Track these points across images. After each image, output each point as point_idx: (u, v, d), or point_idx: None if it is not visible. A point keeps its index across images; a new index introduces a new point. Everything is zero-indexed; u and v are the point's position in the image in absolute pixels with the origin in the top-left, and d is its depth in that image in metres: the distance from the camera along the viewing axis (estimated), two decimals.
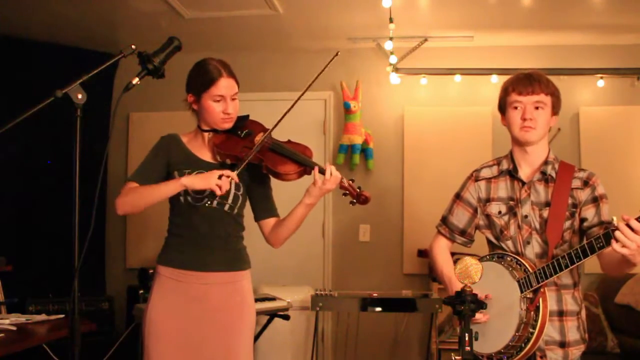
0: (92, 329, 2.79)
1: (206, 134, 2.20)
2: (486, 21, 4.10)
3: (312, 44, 4.63)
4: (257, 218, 2.29)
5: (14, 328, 2.53)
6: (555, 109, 2.11)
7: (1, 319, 2.69)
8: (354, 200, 2.11)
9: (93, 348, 3.77)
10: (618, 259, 1.83)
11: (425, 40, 4.43)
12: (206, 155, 2.19)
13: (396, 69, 4.40)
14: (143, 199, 2.05)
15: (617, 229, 1.74)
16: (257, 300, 3.65)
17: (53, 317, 2.90)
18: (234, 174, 1.98)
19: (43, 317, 2.85)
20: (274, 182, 2.25)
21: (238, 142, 2.17)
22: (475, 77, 4.49)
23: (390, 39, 3.97)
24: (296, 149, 2.16)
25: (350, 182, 2.12)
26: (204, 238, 2.10)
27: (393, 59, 4.29)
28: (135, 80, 1.74)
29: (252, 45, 4.68)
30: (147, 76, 1.79)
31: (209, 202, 2.13)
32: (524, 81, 2.08)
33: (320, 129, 4.74)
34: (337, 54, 2.12)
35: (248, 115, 2.27)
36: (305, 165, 2.12)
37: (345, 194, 2.13)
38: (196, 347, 2.09)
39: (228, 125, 2.17)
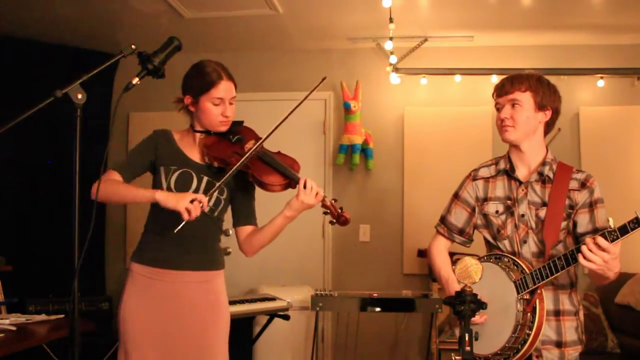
0: (92, 329, 2.79)
1: (197, 134, 2.20)
2: (486, 21, 4.10)
3: (312, 44, 4.63)
4: (236, 224, 2.29)
5: (14, 328, 2.53)
6: (540, 104, 2.09)
7: (1, 319, 2.69)
8: (334, 220, 2.13)
9: (93, 348, 3.77)
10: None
11: (425, 40, 4.43)
12: (195, 155, 2.20)
13: (396, 69, 4.40)
14: (116, 196, 2.07)
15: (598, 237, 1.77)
16: (257, 300, 3.66)
17: (53, 317, 2.90)
18: (205, 200, 1.96)
19: (43, 317, 2.85)
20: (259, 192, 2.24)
21: (228, 147, 2.17)
22: (475, 77, 4.48)
23: (390, 39, 3.97)
24: (284, 162, 2.17)
25: (333, 201, 2.13)
26: (182, 238, 2.07)
27: (393, 59, 4.29)
28: (135, 80, 1.74)
29: (252, 45, 4.68)
30: (147, 76, 1.79)
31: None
32: (500, 83, 2.15)
33: (320, 129, 4.74)
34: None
35: (242, 122, 2.28)
36: (290, 179, 2.13)
37: (326, 213, 2.13)
38: (171, 345, 2.09)
39: (224, 128, 2.18)
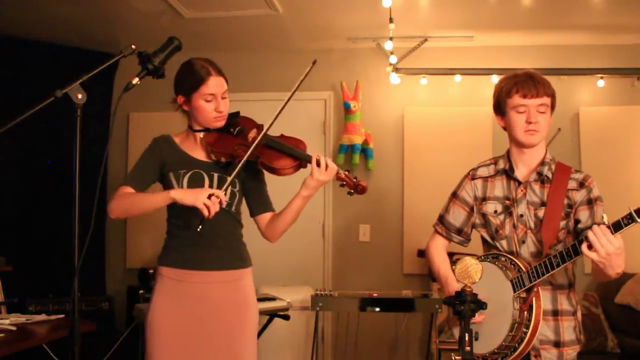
0: (92, 329, 2.79)
1: (198, 134, 2.20)
2: (486, 21, 4.10)
3: (312, 44, 4.63)
4: (253, 213, 2.29)
5: (14, 328, 2.53)
6: (553, 105, 2.11)
7: (1, 319, 2.69)
8: (352, 191, 2.12)
9: (93, 348, 3.77)
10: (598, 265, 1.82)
11: (425, 40, 4.43)
12: (200, 155, 2.19)
13: (396, 69, 4.40)
14: (134, 207, 2.06)
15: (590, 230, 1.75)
16: (257, 300, 3.66)
17: (53, 317, 2.90)
18: (222, 194, 1.96)
19: (43, 317, 2.86)
20: (268, 176, 2.24)
21: (232, 140, 2.16)
22: (475, 77, 4.49)
23: (390, 39, 3.97)
24: (290, 143, 2.17)
25: (347, 172, 2.12)
26: (205, 237, 2.08)
27: (393, 59, 4.29)
28: (135, 80, 1.74)
29: (252, 45, 4.67)
30: (147, 76, 1.79)
31: None
32: (529, 83, 2.04)
33: (320, 129, 4.74)
34: (314, 62, 2.12)
35: (239, 112, 2.28)
36: (301, 159, 2.12)
37: (342, 185, 2.13)
38: (199, 347, 2.09)
39: (220, 123, 2.17)
